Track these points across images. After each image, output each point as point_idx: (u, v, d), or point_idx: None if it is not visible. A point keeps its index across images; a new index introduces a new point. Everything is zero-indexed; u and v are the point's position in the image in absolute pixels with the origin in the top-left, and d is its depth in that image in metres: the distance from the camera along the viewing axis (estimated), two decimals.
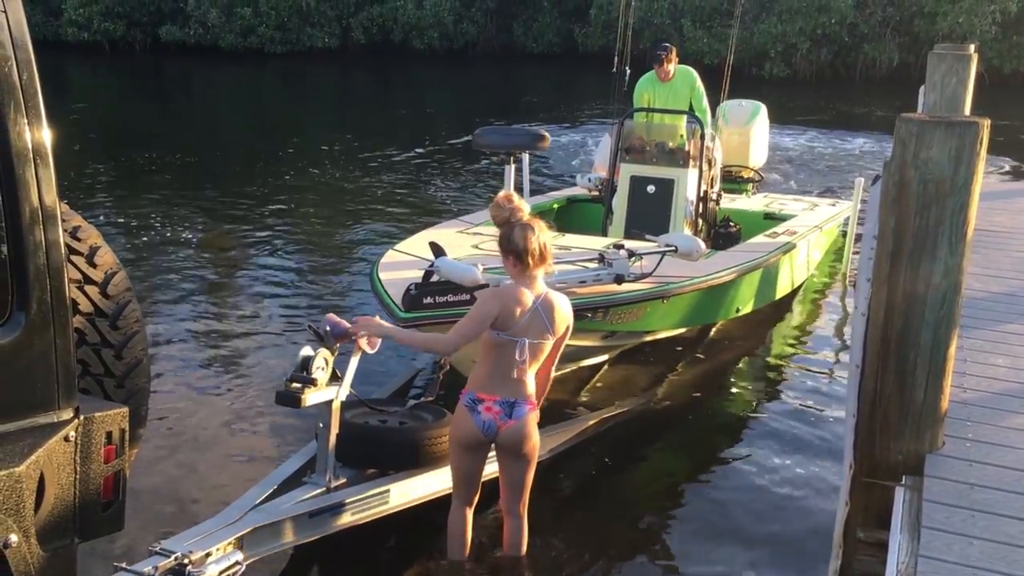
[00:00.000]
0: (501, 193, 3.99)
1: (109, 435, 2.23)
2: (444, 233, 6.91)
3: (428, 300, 4.88)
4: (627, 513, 5.04)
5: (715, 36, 28.61)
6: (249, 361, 6.98)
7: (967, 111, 6.89)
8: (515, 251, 3.92)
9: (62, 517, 2.11)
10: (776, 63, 29.30)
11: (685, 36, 29.94)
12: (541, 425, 5.63)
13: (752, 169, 9.98)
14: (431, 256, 5.28)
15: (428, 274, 5.10)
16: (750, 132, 9.83)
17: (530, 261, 3.90)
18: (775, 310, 8.17)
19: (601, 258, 5.63)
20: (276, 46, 33.61)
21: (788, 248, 7.68)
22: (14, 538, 1.95)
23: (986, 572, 2.81)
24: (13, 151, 2.03)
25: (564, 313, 4.03)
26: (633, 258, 5.65)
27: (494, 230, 6.11)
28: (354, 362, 4.27)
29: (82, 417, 2.16)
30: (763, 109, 10.09)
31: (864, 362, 3.53)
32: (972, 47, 7.63)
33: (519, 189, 8.73)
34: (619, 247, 5.79)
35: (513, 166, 5.57)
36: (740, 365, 7.28)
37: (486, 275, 5.04)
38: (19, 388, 2.00)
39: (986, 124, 3.27)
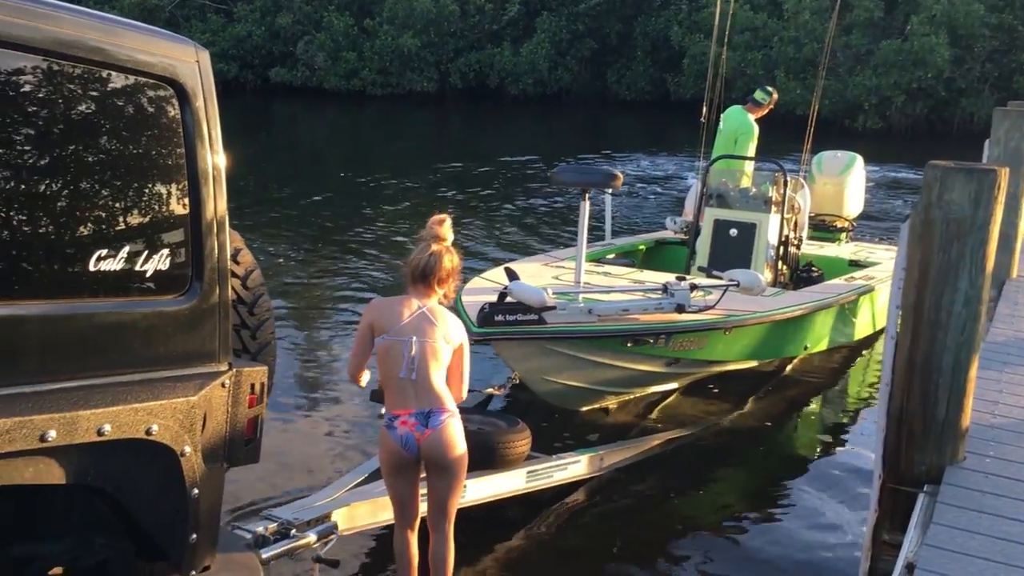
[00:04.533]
0: (437, 215, 4.05)
1: (252, 386, 2.89)
2: (529, 265, 7.47)
3: (499, 317, 5.46)
4: (675, 533, 5.35)
5: (808, 87, 28.76)
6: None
7: None
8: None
9: (217, 444, 2.78)
10: (870, 115, 29.29)
11: (778, 87, 30.13)
12: (607, 440, 6.15)
13: (845, 219, 10.07)
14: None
15: (502, 295, 5.66)
16: (844, 182, 9.95)
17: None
18: (857, 350, 8.41)
19: (664, 289, 6.06)
20: (377, 89, 35.19)
21: (865, 290, 7.90)
22: (188, 449, 2.63)
23: (982, 560, 3.19)
24: (199, 171, 2.70)
25: (454, 324, 3.92)
26: (695, 290, 6.08)
27: (574, 264, 6.69)
28: None
29: (234, 370, 2.83)
30: (859, 160, 10.13)
31: (892, 382, 3.94)
32: None
33: (597, 227, 9.24)
34: (681, 279, 6.25)
35: (587, 202, 6.11)
36: (812, 402, 7.53)
37: (554, 298, 5.57)
38: (194, 342, 2.71)
39: (1004, 172, 3.69)
